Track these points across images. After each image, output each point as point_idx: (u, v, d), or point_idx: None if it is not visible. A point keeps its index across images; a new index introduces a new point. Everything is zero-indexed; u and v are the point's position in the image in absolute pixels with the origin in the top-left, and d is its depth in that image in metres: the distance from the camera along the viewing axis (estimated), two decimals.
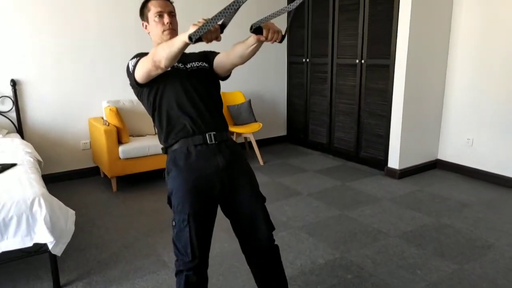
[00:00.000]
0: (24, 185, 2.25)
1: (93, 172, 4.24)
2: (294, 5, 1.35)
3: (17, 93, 3.75)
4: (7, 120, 3.75)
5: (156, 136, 4.09)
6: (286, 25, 1.60)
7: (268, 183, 3.94)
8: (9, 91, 3.72)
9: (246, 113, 4.62)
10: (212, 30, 1.29)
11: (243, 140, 5.07)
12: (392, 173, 4.06)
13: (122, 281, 2.34)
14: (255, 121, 4.67)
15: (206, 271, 1.68)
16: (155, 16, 1.70)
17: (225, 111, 4.65)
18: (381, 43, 3.97)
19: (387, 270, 2.42)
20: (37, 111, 3.89)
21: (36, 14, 3.73)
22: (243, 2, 1.21)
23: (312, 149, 5.13)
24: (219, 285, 2.28)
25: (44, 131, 3.95)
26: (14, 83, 3.70)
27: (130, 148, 3.73)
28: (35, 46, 3.78)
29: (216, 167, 1.64)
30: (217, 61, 1.78)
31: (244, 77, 4.99)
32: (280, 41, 1.50)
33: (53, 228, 2.10)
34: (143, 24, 1.78)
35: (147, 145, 3.81)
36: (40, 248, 2.20)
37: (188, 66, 1.74)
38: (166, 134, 1.69)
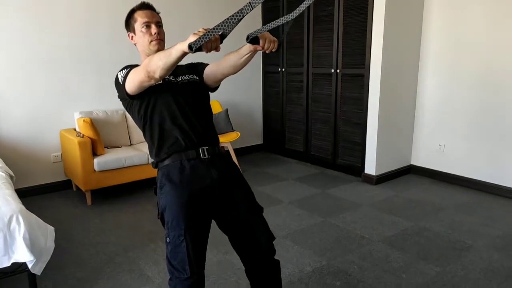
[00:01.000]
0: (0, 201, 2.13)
1: (65, 186, 4.07)
2: (293, 15, 1.36)
3: None
4: None
5: (132, 148, 4.02)
6: (280, 34, 1.60)
7: None
8: None
9: (224, 122, 4.59)
10: (212, 39, 1.28)
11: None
12: (369, 179, 4.14)
13: None
14: (233, 130, 4.65)
15: None
16: (142, 27, 1.67)
17: None
18: (356, 53, 4.08)
19: (373, 275, 2.45)
20: (6, 124, 3.70)
21: (5, 25, 3.58)
22: (245, 14, 1.21)
23: (289, 157, 5.16)
24: None
25: (14, 144, 3.77)
26: None
27: (105, 160, 3.61)
28: (3, 58, 3.61)
29: (210, 181, 1.62)
30: (208, 72, 1.76)
31: (220, 86, 4.96)
32: (276, 51, 1.50)
33: (32, 246, 1.98)
34: (129, 35, 1.75)
35: (123, 157, 3.71)
36: (17, 268, 2.07)
37: (179, 79, 1.71)
38: (158, 148, 1.65)
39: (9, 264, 1.97)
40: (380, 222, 3.21)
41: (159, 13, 1.75)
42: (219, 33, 1.26)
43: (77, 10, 3.91)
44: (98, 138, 3.62)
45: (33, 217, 2.11)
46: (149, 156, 1.74)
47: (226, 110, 4.67)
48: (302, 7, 1.32)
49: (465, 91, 3.88)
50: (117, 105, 4.25)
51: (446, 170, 4.14)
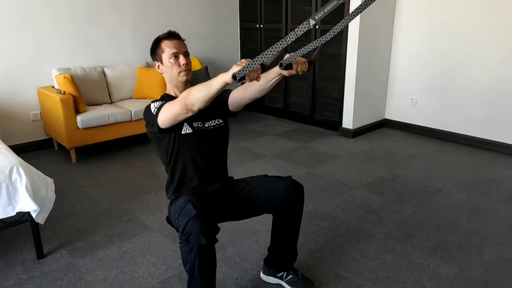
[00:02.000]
0: None
1: (46, 145, 4.03)
2: (325, 38, 1.40)
3: None
4: None
5: (114, 105, 4.00)
6: (312, 54, 1.62)
7: (233, 148, 4.03)
8: None
9: (204, 79, 4.60)
10: (254, 69, 1.33)
11: None
12: (346, 133, 4.34)
13: (107, 245, 2.35)
14: None
15: (214, 241, 1.55)
16: (170, 57, 1.70)
17: None
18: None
19: (356, 216, 2.67)
20: None
21: None
22: (285, 45, 1.26)
23: (269, 114, 5.27)
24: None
25: None
26: None
27: (89, 117, 3.59)
28: None
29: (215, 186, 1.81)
30: (233, 99, 1.81)
31: (198, 44, 4.94)
32: (308, 69, 1.57)
33: (35, 196, 2.03)
34: (155, 64, 1.77)
35: (106, 114, 3.69)
36: (20, 218, 2.12)
37: (206, 125, 1.78)
38: (177, 187, 1.78)
39: (13, 214, 2.01)
40: (358, 171, 3.43)
41: (184, 40, 1.77)
42: (261, 63, 1.31)
43: None
44: (79, 95, 3.58)
45: (33, 168, 2.14)
46: (166, 189, 1.86)
47: (206, 67, 4.67)
48: (336, 30, 1.38)
49: (435, 48, 4.06)
50: (96, 62, 4.19)
51: (418, 122, 4.40)
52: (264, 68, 1.38)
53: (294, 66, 1.51)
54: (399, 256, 2.22)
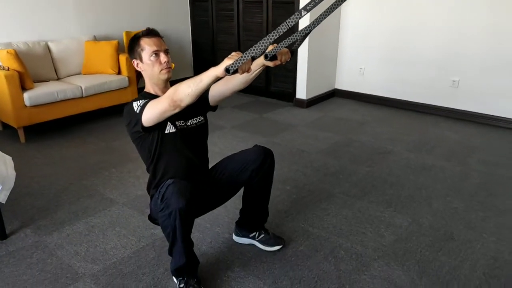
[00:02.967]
0: None
1: None
2: (310, 28, 1.42)
3: None
4: None
5: (62, 81, 3.81)
6: (294, 44, 1.64)
7: None
8: None
9: None
10: (246, 62, 1.34)
11: None
12: (300, 103, 4.48)
13: (73, 221, 2.30)
14: None
15: (192, 204, 1.58)
16: (151, 55, 1.66)
17: None
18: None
19: (316, 179, 2.82)
20: None
21: None
22: (277, 36, 1.28)
23: None
24: None
25: None
26: None
27: (36, 94, 3.40)
28: None
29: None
30: (214, 93, 1.81)
31: (145, 17, 4.79)
32: (290, 59, 1.59)
33: None
34: (133, 62, 1.72)
35: (55, 90, 3.52)
36: None
37: (188, 123, 1.77)
38: (158, 183, 1.76)
39: None
40: (315, 138, 3.58)
41: (163, 38, 1.72)
42: (252, 56, 1.32)
43: None
44: (25, 71, 3.36)
45: None
46: (148, 186, 1.87)
47: None
48: (319, 20, 1.40)
49: (382, 18, 4.26)
50: (39, 36, 3.94)
51: (366, 91, 4.63)
52: (254, 59, 1.40)
53: (279, 57, 1.54)
54: (358, 211, 2.40)
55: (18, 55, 3.36)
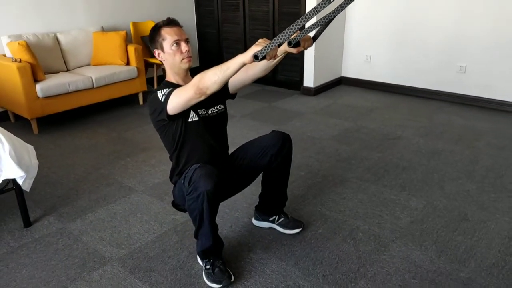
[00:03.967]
0: None
1: (0, 118, 3.80)
2: (333, 15, 1.43)
3: None
4: None
5: (72, 73, 3.83)
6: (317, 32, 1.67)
7: None
8: None
9: None
10: (273, 48, 1.36)
11: (156, 74, 4.97)
12: (307, 91, 4.51)
13: (95, 208, 2.35)
14: None
15: (219, 187, 1.63)
16: (172, 45, 1.68)
17: (139, 42, 4.48)
18: None
19: (329, 165, 2.86)
20: None
21: None
22: (305, 22, 1.30)
23: None
24: None
25: None
26: None
27: (48, 85, 3.43)
28: None
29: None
30: (234, 82, 1.82)
31: (151, 7, 4.79)
32: (312, 44, 1.62)
33: (20, 163, 1.98)
34: (155, 52, 1.74)
35: (66, 82, 3.54)
36: (4, 187, 2.06)
37: (209, 111, 1.79)
38: (181, 170, 1.80)
39: (0, 182, 1.96)
40: (325, 125, 3.62)
41: (182, 27, 1.74)
42: (281, 42, 1.34)
43: None
44: (37, 63, 3.39)
45: (12, 135, 2.07)
46: (171, 174, 1.90)
47: None
48: (343, 6, 1.42)
49: (387, 5, 4.27)
50: (48, 27, 3.96)
51: (373, 78, 4.65)
52: (280, 46, 1.41)
53: (302, 43, 1.55)
54: (373, 195, 2.45)
55: (29, 47, 3.38)
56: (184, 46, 1.69)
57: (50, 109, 3.51)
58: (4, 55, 3.57)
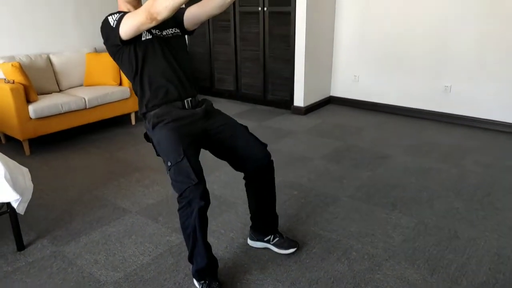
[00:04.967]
0: None
1: None
2: None
3: None
4: None
5: (64, 93, 3.85)
6: None
7: None
8: None
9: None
10: None
11: None
12: (298, 111, 4.59)
13: (89, 231, 2.35)
14: None
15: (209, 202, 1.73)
16: None
17: None
18: None
19: (321, 184, 2.91)
20: None
21: None
22: None
23: (219, 97, 5.35)
24: None
25: None
26: None
27: (41, 106, 3.44)
28: None
29: (197, 116, 1.83)
30: (189, 16, 1.84)
31: None
32: None
33: (15, 186, 1.98)
34: None
35: (59, 102, 3.56)
36: None
37: (164, 33, 1.80)
38: (148, 100, 1.79)
39: None
40: (315, 144, 3.69)
41: None
42: None
43: None
44: (30, 84, 3.40)
45: (6, 157, 2.08)
46: (138, 104, 1.86)
47: None
48: None
49: (374, 26, 4.41)
50: (41, 48, 3.98)
51: (361, 98, 4.76)
52: None
53: None
54: (365, 214, 2.49)
55: (22, 68, 3.39)
56: None
57: (43, 130, 3.51)
58: None
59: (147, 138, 1.88)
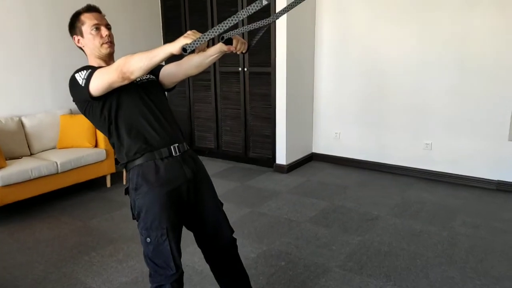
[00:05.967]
0: None
1: None
2: (272, 19, 1.49)
3: None
4: None
5: (35, 157, 3.66)
6: (253, 38, 1.70)
7: None
8: None
9: None
10: (203, 43, 1.34)
11: None
12: (280, 169, 4.50)
13: None
14: None
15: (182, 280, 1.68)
16: (92, 29, 1.64)
17: None
18: (262, 53, 4.35)
19: (310, 252, 2.75)
20: None
21: None
22: (236, 21, 1.29)
23: (200, 154, 5.22)
24: None
25: None
26: None
27: (9, 173, 3.22)
28: None
29: (184, 178, 1.66)
30: (165, 73, 1.78)
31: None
32: (246, 52, 1.62)
33: None
34: (74, 38, 1.69)
35: (29, 168, 3.35)
36: None
37: (138, 79, 1.68)
38: (128, 148, 1.62)
39: None
40: (301, 205, 3.56)
41: (104, 16, 1.71)
42: (211, 37, 1.32)
43: None
44: None
45: None
46: (118, 157, 1.69)
47: None
48: (280, 13, 1.47)
49: (353, 84, 4.49)
50: (13, 111, 3.83)
51: (343, 154, 4.73)
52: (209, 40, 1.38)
53: (234, 42, 1.55)
54: (359, 286, 2.33)
55: None
56: (104, 31, 1.65)
57: (10, 198, 3.26)
58: None
59: (128, 192, 1.70)
